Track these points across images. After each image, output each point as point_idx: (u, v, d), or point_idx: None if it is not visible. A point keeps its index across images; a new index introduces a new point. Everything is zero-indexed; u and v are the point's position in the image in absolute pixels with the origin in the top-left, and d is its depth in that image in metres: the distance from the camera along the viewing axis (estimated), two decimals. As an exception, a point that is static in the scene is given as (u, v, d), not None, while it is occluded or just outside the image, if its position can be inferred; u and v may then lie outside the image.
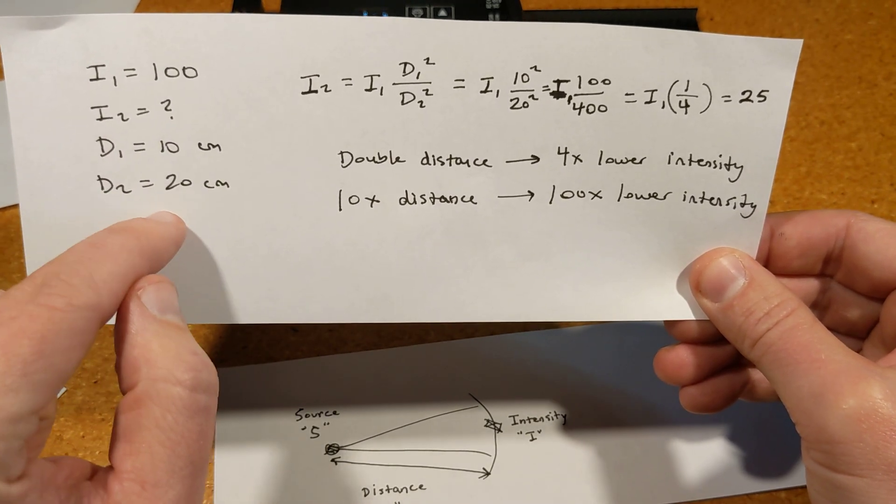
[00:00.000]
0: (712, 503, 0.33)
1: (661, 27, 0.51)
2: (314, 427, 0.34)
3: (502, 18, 0.43)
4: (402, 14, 0.43)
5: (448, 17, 0.43)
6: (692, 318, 0.29)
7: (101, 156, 0.25)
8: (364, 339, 0.37)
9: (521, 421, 0.35)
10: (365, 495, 0.33)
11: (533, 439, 0.34)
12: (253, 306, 0.27)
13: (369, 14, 0.43)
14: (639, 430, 0.35)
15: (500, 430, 0.35)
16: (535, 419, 0.35)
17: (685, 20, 0.50)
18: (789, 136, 0.46)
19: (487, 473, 0.33)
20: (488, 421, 0.35)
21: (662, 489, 0.33)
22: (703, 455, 0.34)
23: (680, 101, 0.26)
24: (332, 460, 0.33)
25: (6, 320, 0.18)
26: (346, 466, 0.33)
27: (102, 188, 0.26)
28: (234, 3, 0.47)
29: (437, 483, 0.33)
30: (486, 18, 0.43)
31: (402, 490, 0.33)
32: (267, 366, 0.36)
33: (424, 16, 0.43)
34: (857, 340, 0.30)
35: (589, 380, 0.36)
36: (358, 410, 0.35)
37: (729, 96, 0.26)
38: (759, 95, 0.26)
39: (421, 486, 0.33)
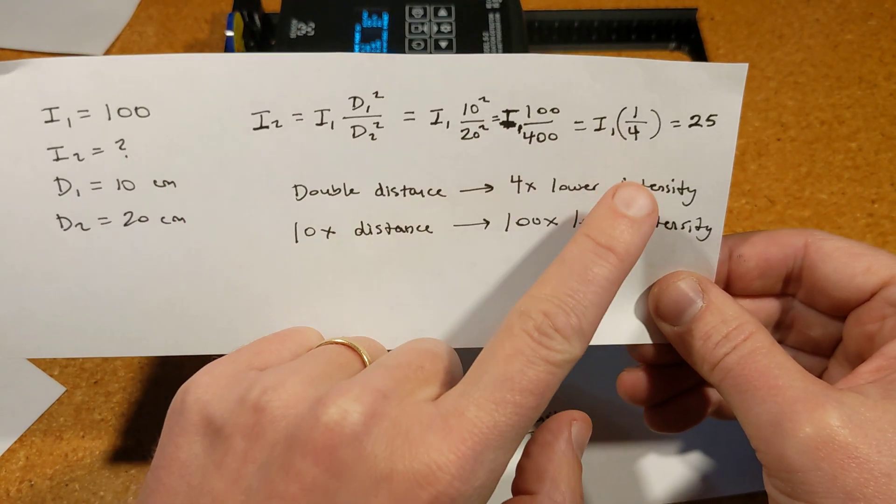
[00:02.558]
0: (713, 502, 0.33)
1: (661, 27, 0.51)
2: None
3: (502, 18, 0.43)
4: (402, 14, 0.43)
5: (448, 16, 0.43)
6: (650, 342, 0.28)
7: (59, 195, 0.26)
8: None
9: (521, 421, 0.35)
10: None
11: (533, 439, 0.34)
12: (214, 338, 0.28)
13: (369, 14, 0.43)
14: (640, 429, 0.35)
15: (500, 430, 0.35)
16: (535, 419, 0.35)
17: (685, 20, 0.50)
18: (790, 136, 0.46)
19: (488, 473, 0.33)
20: (488, 421, 0.35)
21: (663, 488, 0.33)
22: (705, 455, 0.34)
23: (629, 128, 0.26)
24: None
25: (518, 373, 0.21)
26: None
27: (62, 226, 0.26)
28: (234, 4, 0.47)
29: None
30: (486, 18, 0.43)
31: (402, 490, 0.33)
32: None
33: (424, 15, 0.43)
34: (823, 359, 0.30)
35: (588, 381, 0.36)
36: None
37: (678, 121, 0.26)
38: (708, 120, 0.26)
39: (421, 486, 0.33)
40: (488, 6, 0.43)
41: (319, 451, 0.19)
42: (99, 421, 0.36)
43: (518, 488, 0.23)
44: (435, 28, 0.43)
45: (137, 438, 0.35)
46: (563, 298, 0.22)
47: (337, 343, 0.24)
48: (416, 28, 0.43)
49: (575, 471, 0.23)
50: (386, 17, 0.43)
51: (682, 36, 0.50)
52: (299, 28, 0.42)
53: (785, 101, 0.48)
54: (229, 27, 0.45)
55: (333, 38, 0.41)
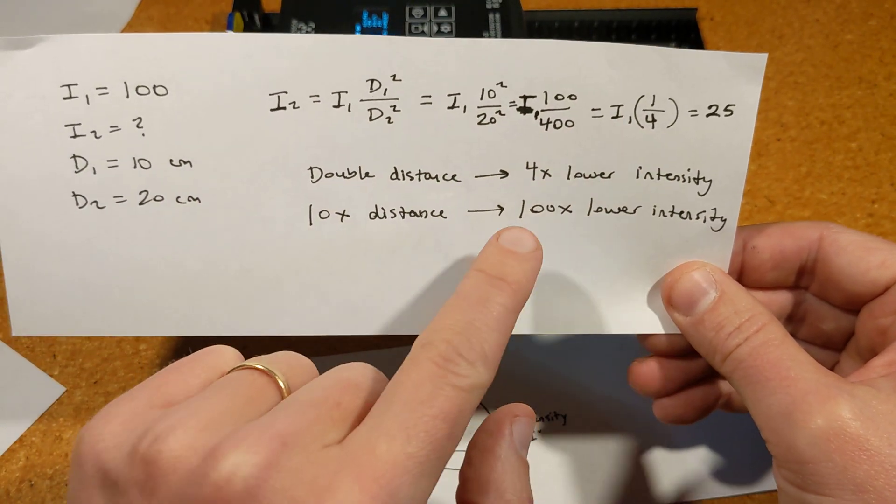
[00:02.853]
0: (713, 503, 0.33)
1: (661, 27, 0.51)
2: (314, 427, 0.34)
3: (502, 18, 0.43)
4: (402, 14, 0.43)
5: (448, 17, 0.43)
6: (663, 331, 0.28)
7: (76, 172, 0.26)
8: (364, 340, 0.37)
9: (521, 421, 0.35)
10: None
11: (533, 439, 0.34)
12: (225, 319, 0.27)
13: (369, 14, 0.43)
14: (639, 430, 0.35)
15: (500, 430, 0.35)
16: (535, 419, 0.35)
17: (685, 20, 0.50)
18: (790, 136, 0.46)
19: (488, 473, 0.33)
20: (488, 421, 0.35)
21: (663, 489, 0.33)
22: (704, 455, 0.34)
23: (647, 116, 0.26)
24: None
25: (427, 399, 0.20)
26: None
27: (77, 204, 0.26)
28: (234, 4, 0.47)
29: (437, 483, 0.33)
30: (486, 18, 0.43)
31: (402, 490, 0.33)
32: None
33: (424, 16, 0.43)
34: (835, 352, 0.30)
35: (589, 380, 0.36)
36: (358, 410, 0.35)
37: (695, 111, 0.26)
38: (726, 110, 0.26)
39: (421, 486, 0.33)
40: (488, 6, 0.43)
41: None
42: (99, 421, 0.36)
43: (462, 499, 0.23)
44: (435, 28, 0.43)
45: (137, 438, 0.35)
46: (463, 326, 0.21)
47: (251, 368, 0.22)
48: (416, 28, 0.43)
49: (520, 474, 0.23)
50: (386, 17, 0.43)
51: (681, 36, 0.50)
52: (299, 28, 0.42)
53: (785, 101, 0.48)
54: (229, 27, 0.45)
55: (333, 38, 0.41)
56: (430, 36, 0.42)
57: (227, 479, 0.18)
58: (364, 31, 0.42)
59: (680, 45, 0.51)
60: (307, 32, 0.42)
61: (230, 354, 0.23)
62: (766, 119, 0.47)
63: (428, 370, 0.20)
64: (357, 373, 0.22)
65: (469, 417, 0.21)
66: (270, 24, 0.49)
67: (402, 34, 0.42)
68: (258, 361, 0.22)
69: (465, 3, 0.44)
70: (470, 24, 0.43)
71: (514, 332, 0.28)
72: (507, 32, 0.42)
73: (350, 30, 0.42)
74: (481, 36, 0.42)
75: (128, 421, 0.20)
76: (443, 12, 0.43)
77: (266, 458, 0.18)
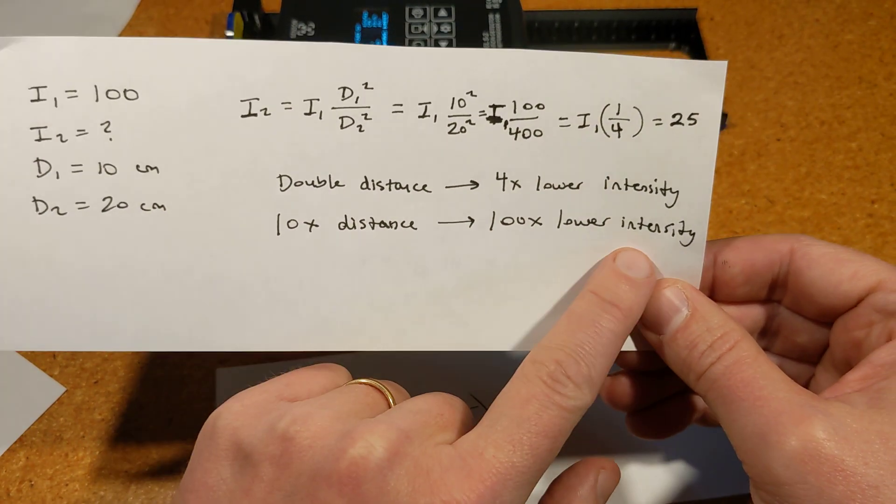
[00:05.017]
0: (712, 503, 0.33)
1: (661, 27, 0.51)
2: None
3: (502, 18, 0.43)
4: (402, 14, 0.43)
5: (448, 17, 0.43)
6: (634, 349, 0.28)
7: (38, 177, 0.25)
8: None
9: (521, 421, 0.35)
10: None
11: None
12: (186, 333, 0.27)
13: (369, 14, 0.43)
14: (626, 433, 0.34)
15: (500, 430, 0.35)
16: (535, 419, 0.35)
17: (685, 20, 0.50)
18: (790, 137, 0.46)
19: (488, 473, 0.33)
20: (488, 421, 0.35)
21: (663, 487, 0.33)
22: (704, 454, 0.34)
23: (612, 125, 0.26)
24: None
25: (533, 416, 0.22)
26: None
27: (37, 210, 0.25)
28: (234, 4, 0.47)
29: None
30: (486, 18, 0.43)
31: (402, 490, 0.33)
32: (268, 365, 0.36)
33: (424, 16, 0.43)
34: (810, 366, 0.30)
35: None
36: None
37: (660, 119, 0.25)
38: (690, 118, 0.25)
39: (421, 486, 0.33)
40: (488, 6, 0.43)
41: (344, 483, 0.20)
42: (99, 421, 0.36)
43: None
44: (435, 28, 0.43)
45: (138, 438, 0.35)
46: (573, 348, 0.23)
47: (365, 383, 0.25)
48: (416, 28, 0.43)
49: None
50: (386, 18, 0.43)
51: (681, 36, 0.50)
52: (299, 28, 0.42)
53: (785, 101, 0.48)
54: (229, 27, 0.46)
55: (333, 38, 0.41)
56: (431, 36, 0.42)
57: (364, 457, 0.20)
58: (364, 31, 0.42)
59: (680, 45, 0.51)
60: (307, 33, 0.42)
61: (343, 371, 0.26)
62: (765, 119, 0.47)
63: (537, 388, 0.22)
64: (449, 396, 0.24)
65: (568, 434, 0.22)
66: (270, 24, 0.49)
67: (402, 34, 0.42)
68: (368, 380, 0.25)
69: (465, 4, 0.44)
70: (470, 25, 0.43)
71: (485, 349, 0.28)
72: (507, 33, 0.42)
73: (350, 30, 0.42)
74: (481, 36, 0.42)
75: (261, 405, 0.23)
76: (443, 12, 0.43)
77: (394, 445, 0.21)
